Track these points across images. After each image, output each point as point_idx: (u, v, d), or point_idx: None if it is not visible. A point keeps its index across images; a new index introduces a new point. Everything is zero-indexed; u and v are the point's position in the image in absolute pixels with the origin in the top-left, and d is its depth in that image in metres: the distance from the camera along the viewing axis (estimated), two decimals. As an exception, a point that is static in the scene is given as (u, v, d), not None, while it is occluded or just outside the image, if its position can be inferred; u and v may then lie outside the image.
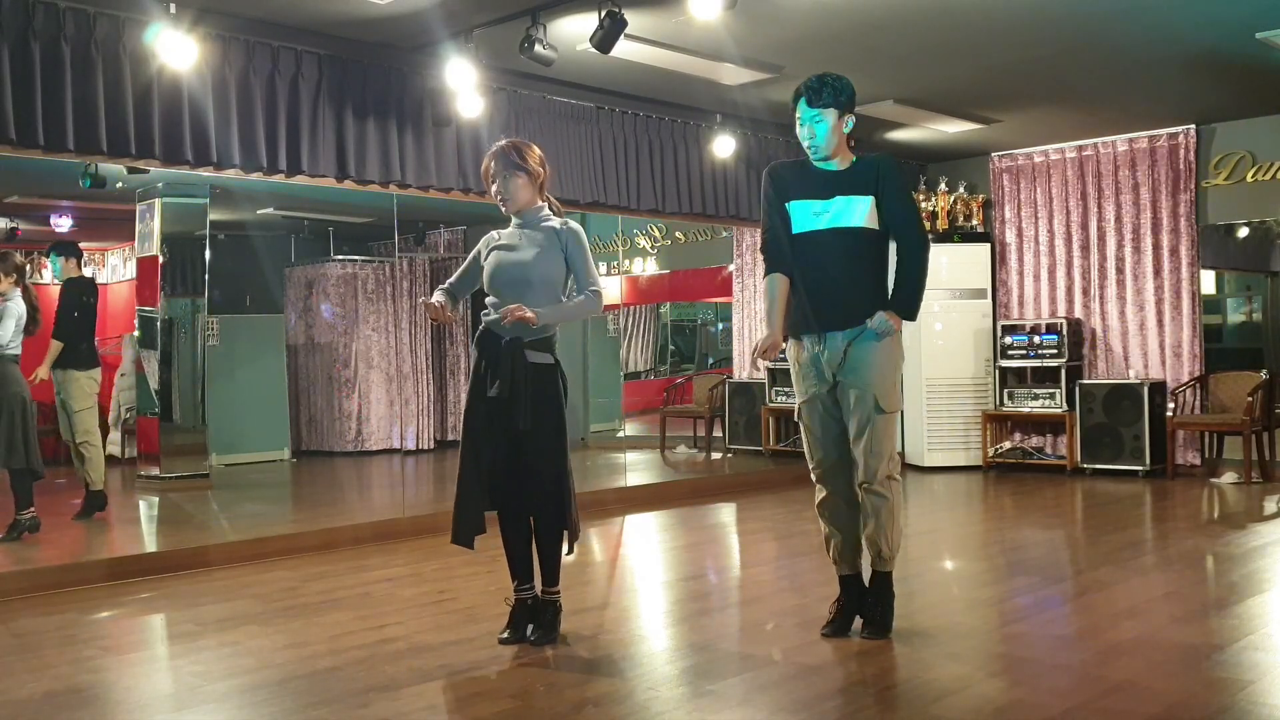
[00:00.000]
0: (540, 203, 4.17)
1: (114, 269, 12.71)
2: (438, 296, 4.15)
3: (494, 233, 4.25)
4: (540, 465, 4.03)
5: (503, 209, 4.16)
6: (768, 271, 4.14)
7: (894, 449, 3.99)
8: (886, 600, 4.09)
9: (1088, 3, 6.05)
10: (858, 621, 4.10)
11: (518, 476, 4.05)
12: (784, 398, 10.18)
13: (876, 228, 3.97)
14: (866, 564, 4.14)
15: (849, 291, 3.97)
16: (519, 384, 4.00)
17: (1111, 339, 9.34)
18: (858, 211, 3.95)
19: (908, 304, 4.03)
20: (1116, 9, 6.15)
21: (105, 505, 7.18)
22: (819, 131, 3.98)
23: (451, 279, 4.31)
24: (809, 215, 4.01)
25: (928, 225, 9.82)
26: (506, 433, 4.02)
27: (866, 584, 4.12)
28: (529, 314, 3.90)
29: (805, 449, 4.16)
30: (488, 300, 4.15)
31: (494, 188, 4.14)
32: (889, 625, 4.05)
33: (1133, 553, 5.93)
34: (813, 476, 4.14)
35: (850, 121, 4.01)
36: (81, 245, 12.20)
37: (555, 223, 4.14)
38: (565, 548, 4.13)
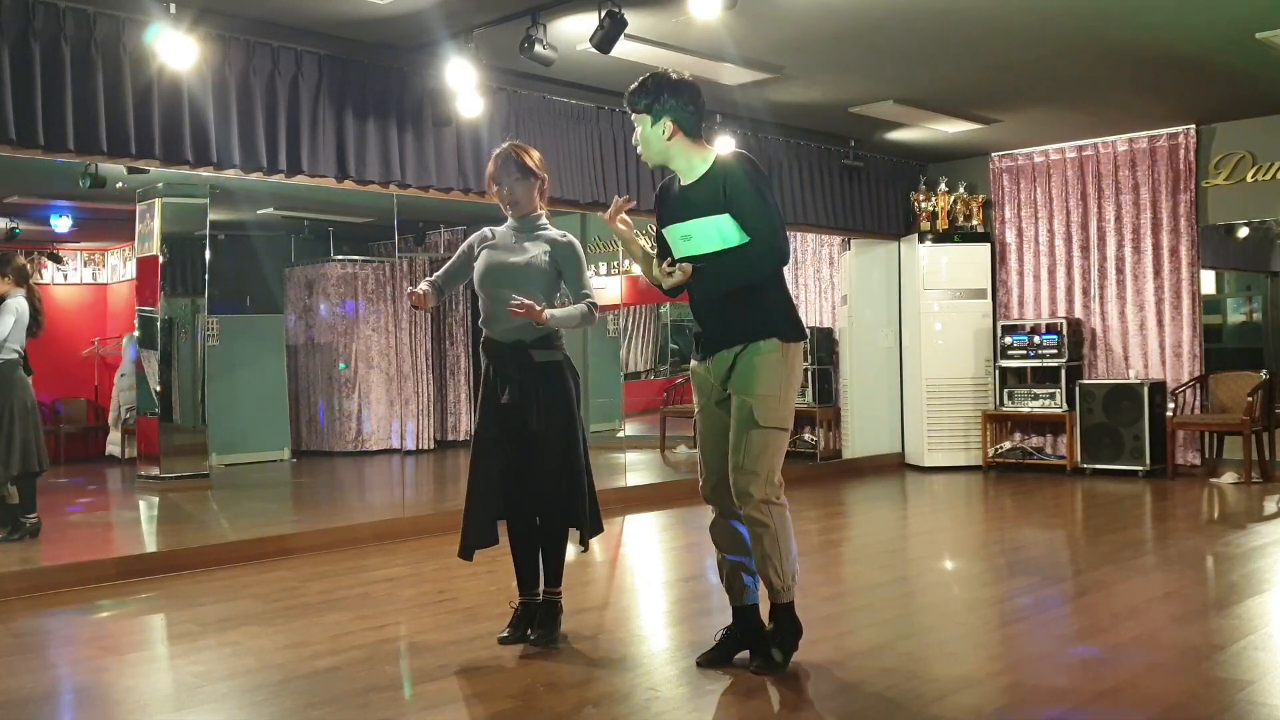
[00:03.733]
0: (540, 208, 4.18)
1: (114, 269, 12.72)
2: (423, 286, 4.12)
3: (486, 230, 4.24)
4: (552, 464, 4.03)
5: (509, 213, 4.17)
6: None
7: (770, 470, 3.58)
8: (786, 635, 3.70)
9: (1088, 3, 6.05)
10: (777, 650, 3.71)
11: (530, 479, 4.05)
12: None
13: (738, 243, 3.58)
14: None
15: (727, 318, 3.62)
16: (527, 385, 4.01)
17: (1111, 339, 9.34)
18: (715, 234, 3.58)
19: (717, 271, 3.59)
20: (1116, 9, 6.15)
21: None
22: (637, 139, 3.70)
23: (439, 274, 4.29)
24: (679, 240, 3.70)
25: (926, 226, 9.83)
26: (519, 436, 4.02)
27: (767, 619, 3.75)
28: (540, 311, 3.91)
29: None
30: (481, 303, 4.15)
31: (501, 192, 4.13)
32: (777, 660, 3.66)
33: (1133, 553, 5.93)
34: (701, 494, 3.83)
35: (665, 127, 3.61)
36: (82, 245, 12.34)
37: (554, 233, 4.15)
38: (579, 545, 4.14)
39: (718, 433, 3.72)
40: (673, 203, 3.74)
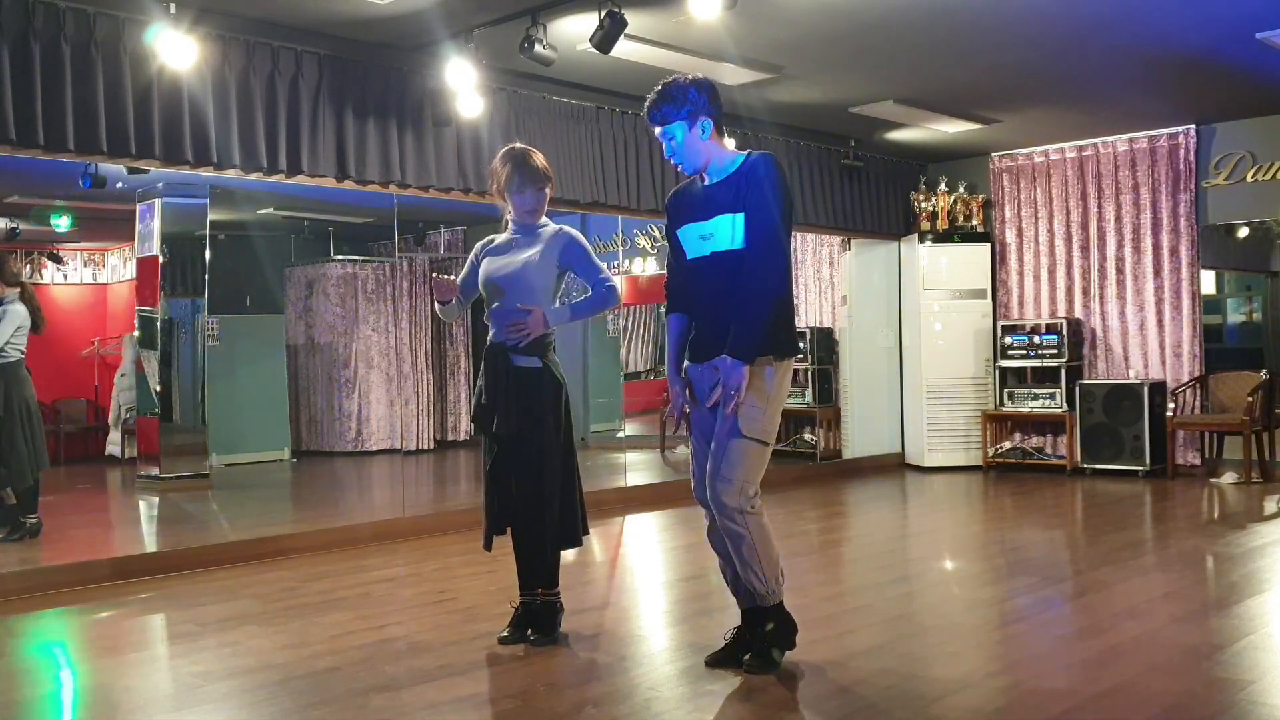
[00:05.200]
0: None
1: (114, 269, 12.73)
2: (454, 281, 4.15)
3: (491, 236, 4.26)
4: (522, 471, 4.03)
5: (526, 220, 4.15)
6: (667, 312, 3.81)
7: (746, 481, 3.54)
8: (782, 634, 3.71)
9: (1088, 3, 6.05)
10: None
11: (505, 483, 4.06)
12: (784, 398, 10.18)
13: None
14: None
15: (726, 324, 3.53)
16: (499, 389, 4.01)
17: (1111, 339, 9.34)
18: (735, 232, 3.54)
19: (734, 344, 3.48)
20: (1116, 9, 6.15)
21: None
22: (675, 149, 3.63)
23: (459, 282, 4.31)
24: (697, 240, 3.65)
25: (926, 226, 9.83)
26: (494, 439, 4.04)
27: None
28: (533, 316, 3.92)
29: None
30: (486, 308, 4.16)
31: (523, 199, 4.10)
32: (775, 660, 3.67)
33: (1133, 553, 5.93)
34: (695, 496, 3.78)
35: (706, 126, 3.59)
36: (82, 245, 12.34)
37: (550, 230, 4.15)
38: (555, 552, 4.11)
39: (709, 435, 3.70)
40: (692, 202, 3.70)
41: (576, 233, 4.17)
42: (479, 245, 4.26)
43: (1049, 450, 9.60)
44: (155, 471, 9.10)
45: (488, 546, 4.16)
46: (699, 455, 3.75)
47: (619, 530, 7.10)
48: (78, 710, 3.63)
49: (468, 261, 4.28)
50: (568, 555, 4.23)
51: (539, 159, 4.13)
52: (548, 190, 4.15)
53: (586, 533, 4.25)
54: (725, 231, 3.57)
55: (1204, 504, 7.62)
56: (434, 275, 4.13)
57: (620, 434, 12.06)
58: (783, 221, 3.54)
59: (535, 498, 4.02)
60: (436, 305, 4.22)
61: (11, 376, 6.41)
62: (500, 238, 4.21)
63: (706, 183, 3.68)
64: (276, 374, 11.32)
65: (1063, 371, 9.24)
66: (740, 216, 3.54)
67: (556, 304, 4.16)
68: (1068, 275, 9.57)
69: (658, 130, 3.65)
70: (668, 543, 6.86)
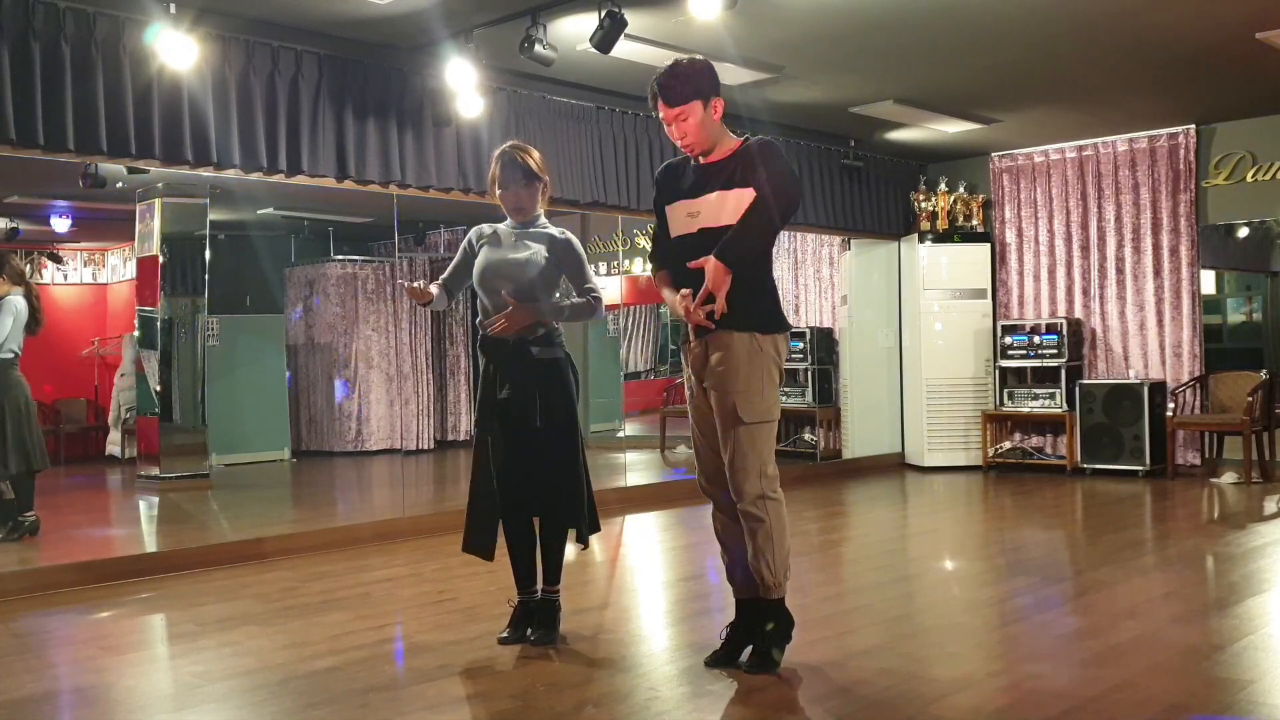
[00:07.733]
0: (541, 209, 4.19)
1: (114, 269, 12.73)
2: (431, 288, 4.10)
3: (484, 226, 4.22)
4: (553, 462, 4.04)
5: (514, 217, 4.15)
6: (654, 271, 3.84)
7: (763, 464, 3.56)
8: (780, 633, 3.69)
9: (1088, 3, 6.05)
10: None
11: (530, 477, 4.04)
12: (783, 397, 10.20)
13: None
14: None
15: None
16: (528, 382, 4.01)
17: (1111, 339, 9.34)
18: (729, 208, 3.51)
19: (726, 245, 3.44)
20: (1116, 9, 6.15)
21: None
22: (688, 130, 3.56)
23: (445, 274, 4.27)
24: (683, 217, 3.64)
25: (926, 226, 9.83)
26: (519, 434, 4.02)
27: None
28: (524, 309, 3.93)
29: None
30: (480, 302, 4.14)
31: (506, 195, 4.10)
32: (775, 660, 3.64)
33: (1133, 553, 5.93)
34: (699, 484, 3.81)
35: (718, 106, 3.57)
36: (82, 245, 12.35)
37: (552, 231, 4.15)
38: (579, 543, 4.14)
39: (707, 422, 3.70)
40: (683, 178, 3.70)
41: (574, 238, 4.19)
42: (473, 233, 4.21)
43: (1049, 450, 9.61)
44: (155, 471, 9.10)
45: (489, 556, 4.09)
46: (698, 445, 3.77)
47: (619, 530, 7.10)
48: (78, 710, 3.63)
49: (460, 250, 4.23)
50: (568, 555, 4.23)
51: (526, 156, 4.10)
52: (537, 187, 4.11)
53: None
54: (719, 208, 3.57)
55: (1204, 504, 7.62)
56: (404, 283, 4.09)
57: (620, 434, 12.05)
58: (793, 173, 3.54)
59: (568, 488, 4.04)
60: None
61: (4, 375, 6.40)
62: (500, 232, 4.18)
63: (701, 162, 3.66)
64: (276, 374, 11.32)
65: (1063, 371, 9.24)
66: (745, 192, 3.51)
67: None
68: (1068, 275, 9.57)
69: (671, 111, 3.58)
70: (668, 543, 6.86)
